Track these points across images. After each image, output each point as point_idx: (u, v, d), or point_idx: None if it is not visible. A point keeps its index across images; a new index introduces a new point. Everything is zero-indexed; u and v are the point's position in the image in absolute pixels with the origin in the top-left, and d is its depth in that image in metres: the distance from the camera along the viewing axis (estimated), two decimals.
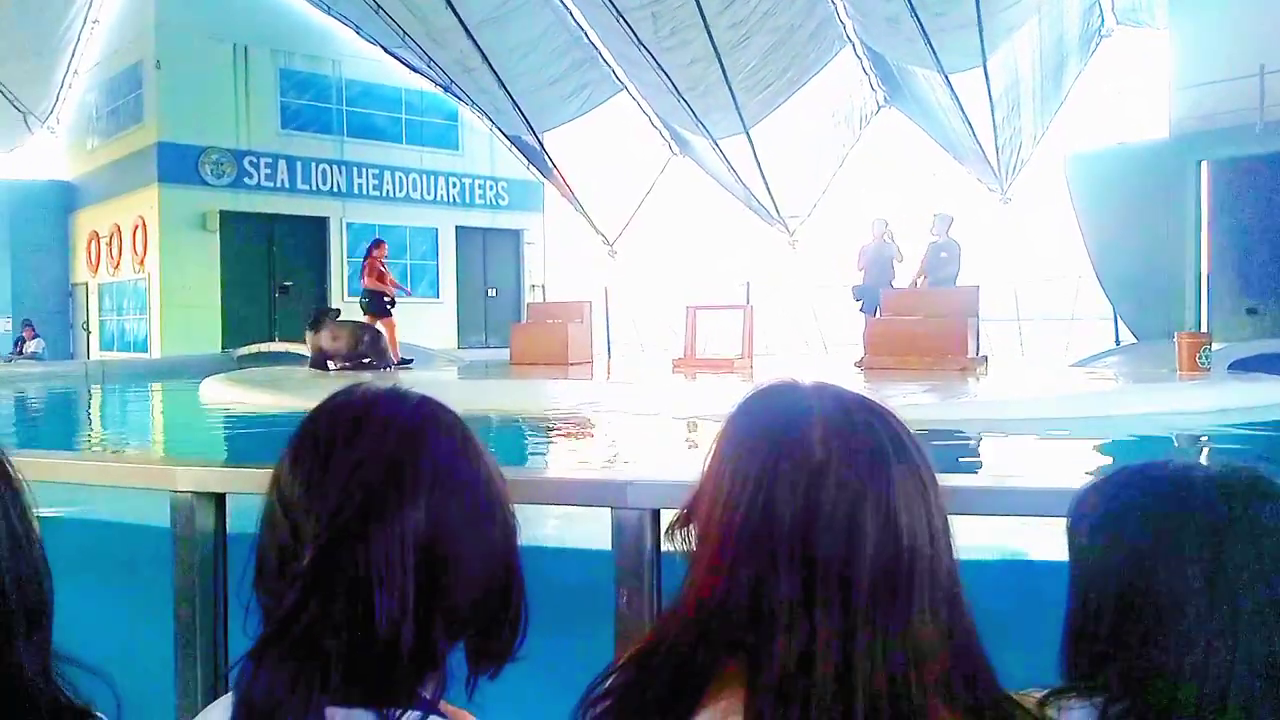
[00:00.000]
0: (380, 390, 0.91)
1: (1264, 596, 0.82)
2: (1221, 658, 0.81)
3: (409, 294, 14.88)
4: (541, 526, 2.36)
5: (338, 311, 12.82)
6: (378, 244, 13.05)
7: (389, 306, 12.70)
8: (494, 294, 20.54)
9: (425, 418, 0.88)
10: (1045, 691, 0.88)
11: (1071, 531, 0.92)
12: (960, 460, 5.99)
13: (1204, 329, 12.50)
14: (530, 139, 19.53)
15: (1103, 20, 18.68)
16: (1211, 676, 0.81)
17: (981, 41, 15.38)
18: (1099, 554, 0.89)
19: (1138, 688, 0.85)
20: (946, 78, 16.60)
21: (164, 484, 1.67)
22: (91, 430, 9.09)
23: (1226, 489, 0.86)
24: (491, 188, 20.78)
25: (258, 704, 0.77)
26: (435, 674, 0.85)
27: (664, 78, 17.21)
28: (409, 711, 0.80)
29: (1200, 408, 7.93)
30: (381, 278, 12.77)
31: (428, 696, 0.83)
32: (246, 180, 17.81)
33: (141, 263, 17.72)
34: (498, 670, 0.90)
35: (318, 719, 0.77)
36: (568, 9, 17.12)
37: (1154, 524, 0.86)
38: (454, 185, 20.27)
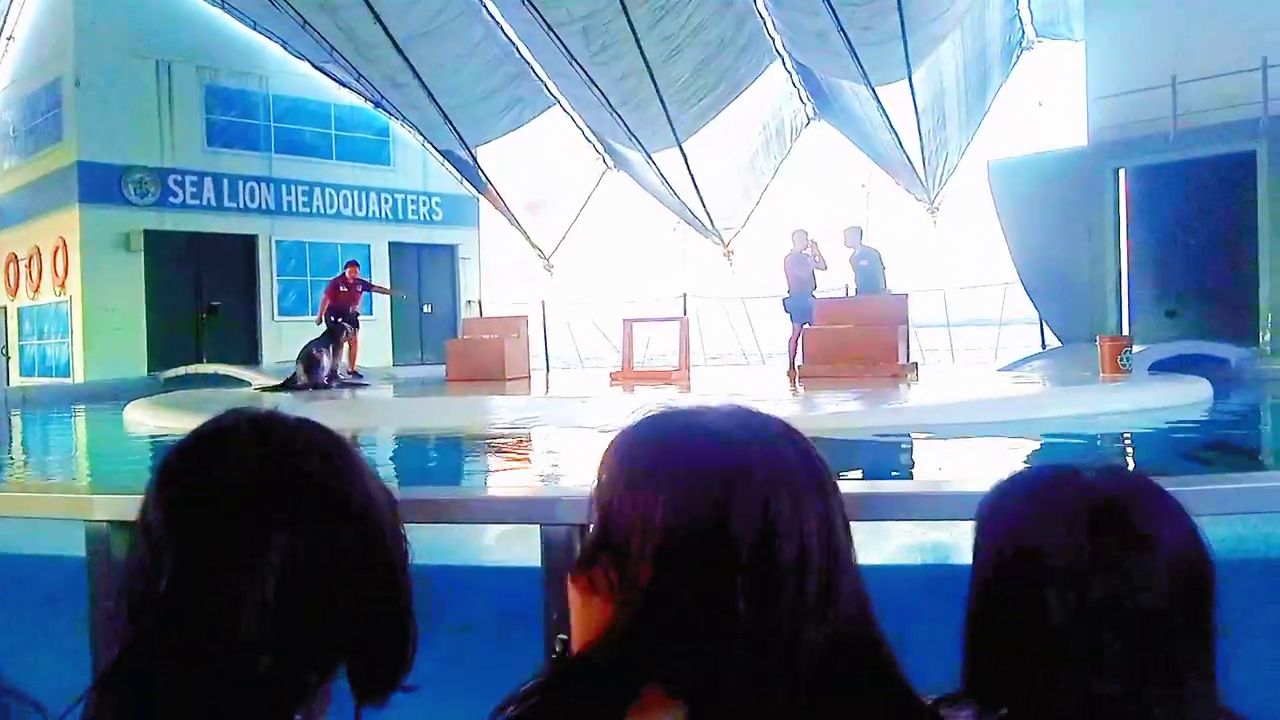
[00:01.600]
0: (251, 414, 0.88)
1: (1126, 628, 0.83)
2: (1095, 678, 0.82)
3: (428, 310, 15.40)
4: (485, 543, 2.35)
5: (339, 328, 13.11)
6: (352, 264, 13.99)
7: (341, 324, 13.05)
8: (429, 310, 20.34)
9: (292, 440, 0.86)
10: (941, 696, 0.89)
11: (975, 534, 0.94)
12: (887, 464, 6.08)
13: (1125, 332, 12.87)
14: (463, 153, 19.44)
15: (1023, 33, 19.22)
16: (1083, 695, 0.83)
17: (906, 55, 15.72)
18: (990, 557, 0.91)
19: (1014, 699, 0.86)
20: (873, 91, 16.92)
21: (79, 513, 1.63)
22: (7, 459, 8.79)
23: (1119, 507, 0.87)
24: (425, 203, 20.61)
25: None
26: (310, 705, 0.82)
27: (596, 92, 17.27)
28: None
29: (1122, 408, 8.17)
30: (337, 297, 13.37)
31: None
32: (171, 199, 17.43)
33: (63, 285, 17.22)
34: (384, 699, 0.87)
35: None
36: (498, 24, 17.10)
37: (1041, 535, 0.87)
38: (386, 201, 20.06)
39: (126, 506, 1.61)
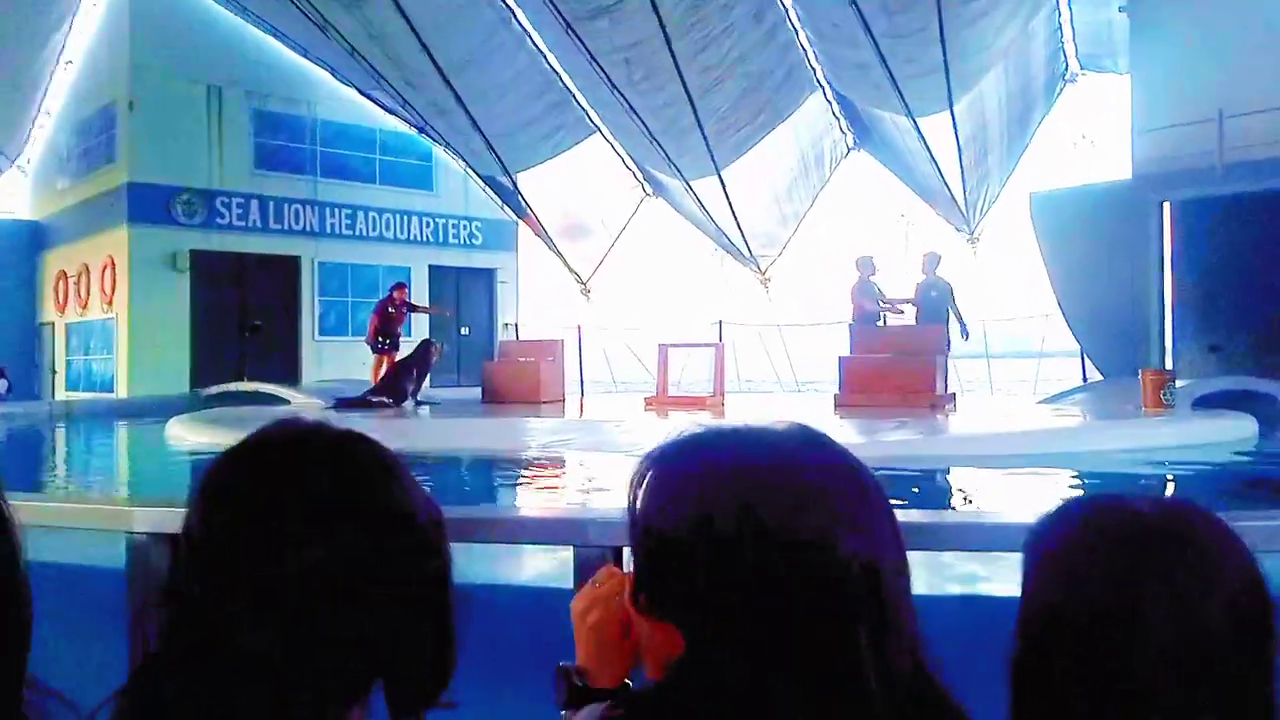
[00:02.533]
0: (295, 427, 0.89)
1: (1181, 666, 0.79)
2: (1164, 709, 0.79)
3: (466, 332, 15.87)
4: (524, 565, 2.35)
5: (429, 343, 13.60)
6: (399, 286, 14.34)
7: (385, 345, 13.64)
8: (467, 332, 20.49)
9: (331, 454, 0.86)
10: None
11: (1023, 567, 0.91)
12: (926, 495, 6.01)
13: (1168, 366, 12.67)
14: (504, 179, 19.63)
15: (1067, 65, 19.10)
16: None
17: (949, 87, 15.68)
18: (1038, 591, 0.88)
19: None
20: (915, 122, 16.88)
21: (120, 525, 1.65)
22: (50, 471, 8.94)
23: (1172, 538, 0.83)
24: (465, 227, 20.82)
25: None
26: (346, 716, 0.82)
27: (637, 120, 17.39)
28: None
29: (1164, 443, 8.01)
30: (385, 320, 13.74)
31: None
32: (218, 220, 17.75)
33: (110, 302, 17.56)
34: (420, 716, 0.87)
35: None
36: (542, 53, 17.30)
37: (1090, 568, 0.83)
38: (428, 225, 20.29)
39: (166, 519, 1.63)
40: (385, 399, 12.28)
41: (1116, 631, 0.81)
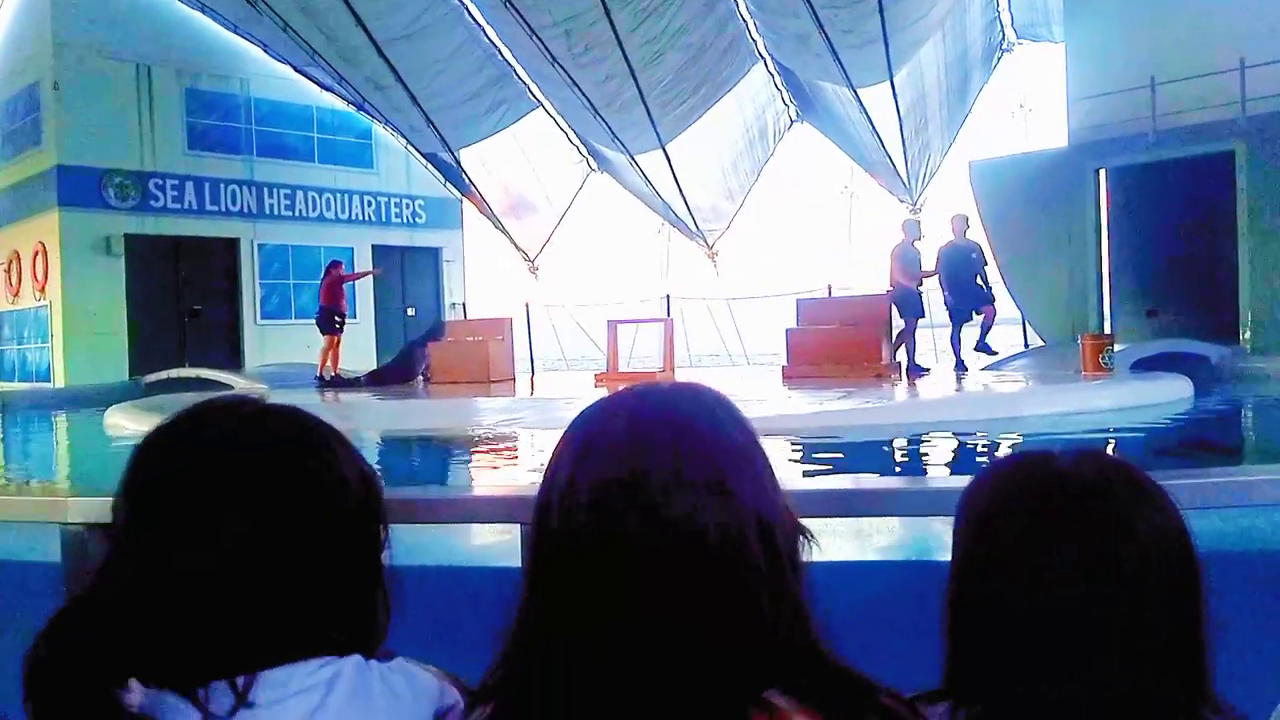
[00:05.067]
0: (220, 403, 0.92)
1: (1100, 617, 0.80)
2: (1067, 670, 0.80)
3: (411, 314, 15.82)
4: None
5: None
6: (335, 264, 14.20)
7: (338, 325, 13.48)
8: (413, 313, 20.28)
9: (254, 427, 0.89)
10: (918, 693, 0.87)
11: (953, 527, 0.92)
12: (871, 462, 6.09)
13: (1107, 331, 12.95)
14: (446, 156, 19.40)
15: (1004, 35, 19.32)
16: (1056, 688, 0.80)
17: (888, 57, 15.78)
18: (964, 548, 0.89)
19: (988, 693, 0.83)
20: (856, 93, 16.97)
21: (54, 517, 1.61)
22: None
23: (1092, 491, 0.83)
24: (408, 206, 20.55)
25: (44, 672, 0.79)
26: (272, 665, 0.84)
27: (579, 94, 17.26)
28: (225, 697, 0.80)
29: (1104, 406, 8.21)
30: (334, 295, 13.60)
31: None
32: (152, 203, 17.31)
33: (42, 289, 17.08)
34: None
35: (108, 702, 0.77)
36: (481, 27, 17.07)
37: (1011, 522, 0.84)
38: (369, 204, 19.99)
39: (103, 509, 1.59)
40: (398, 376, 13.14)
41: (1029, 582, 0.82)
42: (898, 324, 11.64)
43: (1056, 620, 0.81)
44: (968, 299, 11.59)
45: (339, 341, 13.56)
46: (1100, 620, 0.81)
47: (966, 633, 0.87)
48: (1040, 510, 0.84)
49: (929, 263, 11.71)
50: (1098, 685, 0.80)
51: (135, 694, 0.80)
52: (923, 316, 11.58)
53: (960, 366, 11.67)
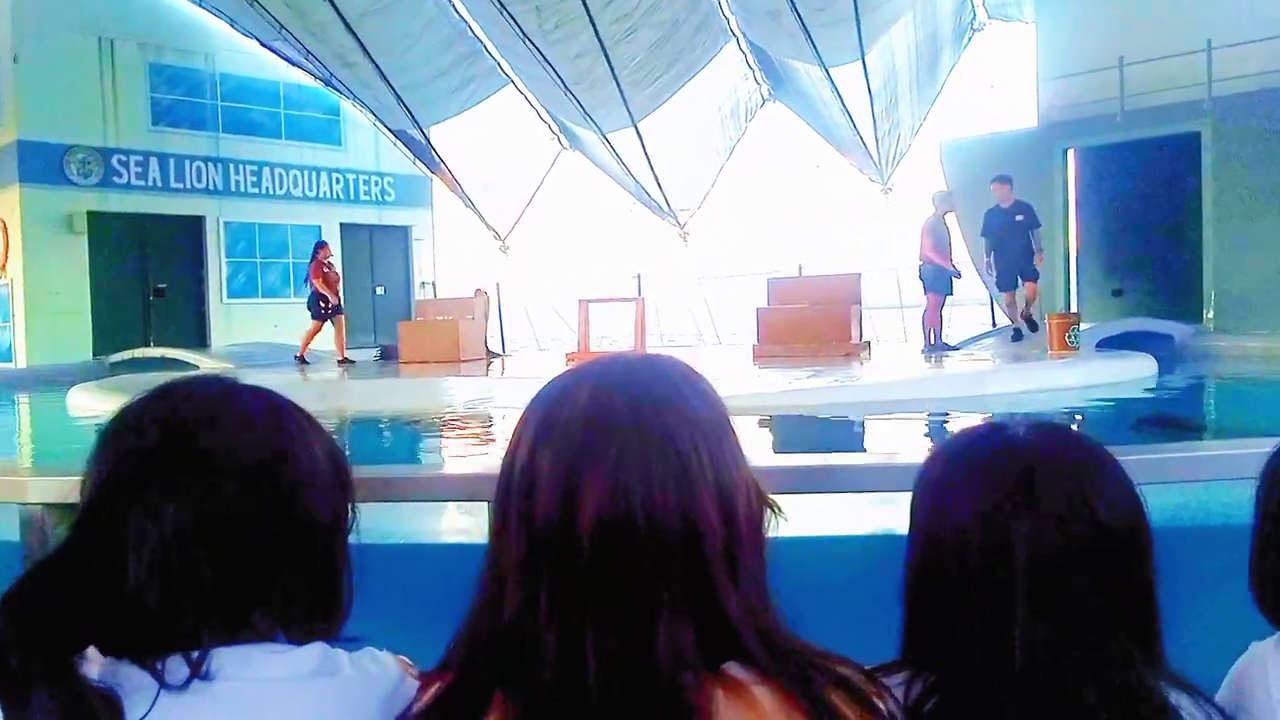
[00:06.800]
0: (179, 384, 0.93)
1: (1048, 585, 0.81)
2: (1017, 637, 0.81)
3: (381, 292, 15.54)
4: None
5: None
6: (321, 246, 13.63)
7: (324, 310, 13.13)
8: (382, 292, 20.12)
9: (208, 406, 0.90)
10: (878, 665, 0.88)
11: (911, 499, 0.93)
12: (840, 439, 6.13)
13: (1073, 309, 13.09)
14: (416, 133, 19.20)
15: (974, 14, 19.35)
16: (1005, 655, 0.81)
17: (859, 36, 15.77)
18: (921, 520, 0.90)
19: (941, 661, 0.85)
20: (827, 71, 16.97)
21: (13, 496, 1.58)
22: None
23: (1042, 460, 0.85)
24: (377, 183, 20.34)
25: None
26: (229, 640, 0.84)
27: (550, 71, 17.13)
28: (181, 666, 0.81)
29: (1069, 384, 8.30)
30: (326, 280, 13.17)
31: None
32: (115, 179, 17.03)
33: (3, 268, 16.77)
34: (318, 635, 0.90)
35: (66, 670, 0.77)
36: (450, 2, 16.88)
37: (963, 492, 0.86)
38: (337, 181, 19.76)
39: (61, 489, 1.57)
40: None
41: (983, 551, 0.83)
42: (922, 301, 11.40)
43: (1009, 589, 0.82)
44: (1012, 267, 11.06)
45: (320, 327, 13.24)
46: (1053, 589, 0.82)
47: (922, 603, 0.88)
48: (995, 481, 0.85)
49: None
50: (1050, 653, 0.81)
51: (93, 664, 0.80)
52: (951, 294, 11.26)
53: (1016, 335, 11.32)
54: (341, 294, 13.65)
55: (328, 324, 13.25)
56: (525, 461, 0.80)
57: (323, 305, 13.14)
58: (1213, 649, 0.97)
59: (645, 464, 0.77)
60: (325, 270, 13.21)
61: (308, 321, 13.47)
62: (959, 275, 11.43)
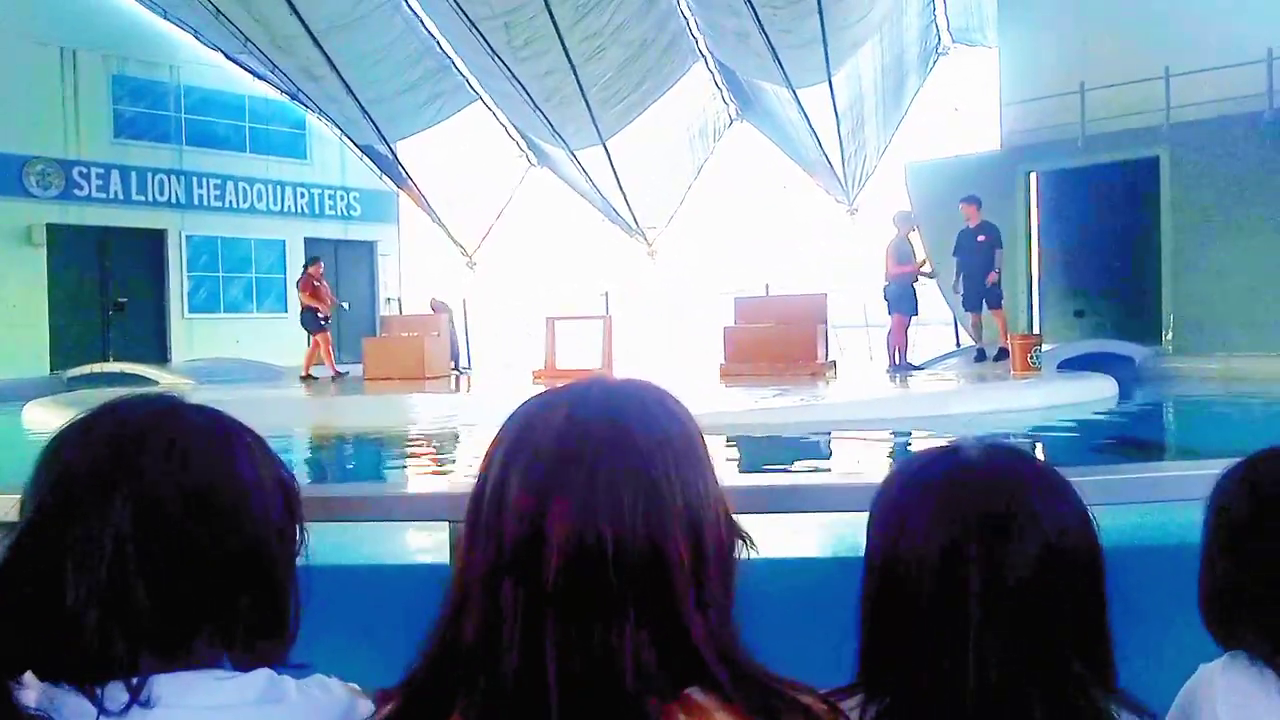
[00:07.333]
0: (126, 401, 0.91)
1: (1002, 608, 0.82)
2: (971, 661, 0.81)
3: (346, 307, 15.37)
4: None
5: None
6: (313, 261, 13.91)
7: (322, 322, 13.34)
8: (347, 307, 19.96)
9: (153, 427, 0.88)
10: (834, 689, 0.88)
11: (868, 521, 0.93)
12: (803, 459, 6.15)
13: (1036, 331, 13.25)
14: (382, 148, 19.13)
15: (939, 39, 19.65)
16: (959, 680, 0.81)
17: (827, 58, 15.95)
18: (876, 542, 0.91)
19: (896, 686, 0.85)
20: (794, 93, 17.14)
21: None
22: None
23: (995, 483, 0.85)
24: (342, 198, 20.22)
25: None
26: (174, 664, 0.83)
27: (519, 88, 17.16)
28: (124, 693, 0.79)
29: (1031, 405, 8.40)
30: (316, 294, 13.35)
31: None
32: (76, 192, 16.79)
33: None
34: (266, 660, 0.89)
35: (1, 696, 0.76)
36: (419, 17, 16.87)
37: (917, 516, 0.86)
38: (302, 196, 19.61)
39: (10, 507, 1.53)
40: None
41: (936, 573, 0.84)
42: (887, 321, 11.63)
43: (963, 612, 0.82)
44: (977, 288, 11.23)
45: (328, 339, 13.41)
46: (1005, 612, 0.82)
47: (878, 626, 0.88)
48: (947, 503, 0.85)
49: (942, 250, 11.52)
50: (1003, 675, 0.81)
51: (30, 690, 0.79)
52: (916, 314, 11.48)
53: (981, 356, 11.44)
54: (331, 311, 13.71)
55: (303, 339, 13.30)
56: (497, 480, 0.80)
57: (319, 317, 13.29)
58: (1165, 670, 0.97)
59: (616, 489, 0.77)
60: (315, 285, 13.23)
61: (275, 338, 13.43)
62: (933, 275, 11.81)
